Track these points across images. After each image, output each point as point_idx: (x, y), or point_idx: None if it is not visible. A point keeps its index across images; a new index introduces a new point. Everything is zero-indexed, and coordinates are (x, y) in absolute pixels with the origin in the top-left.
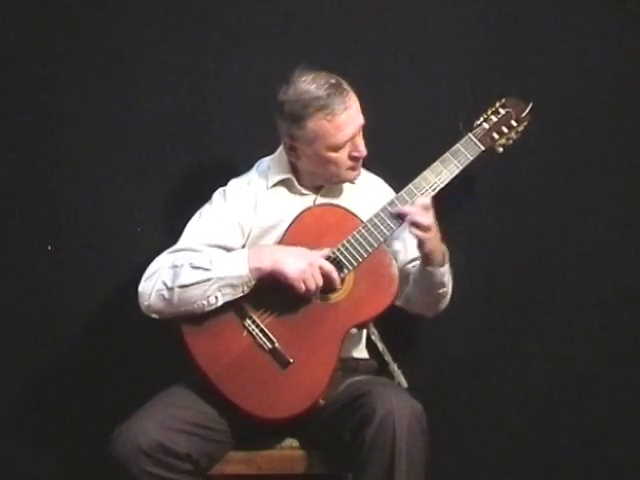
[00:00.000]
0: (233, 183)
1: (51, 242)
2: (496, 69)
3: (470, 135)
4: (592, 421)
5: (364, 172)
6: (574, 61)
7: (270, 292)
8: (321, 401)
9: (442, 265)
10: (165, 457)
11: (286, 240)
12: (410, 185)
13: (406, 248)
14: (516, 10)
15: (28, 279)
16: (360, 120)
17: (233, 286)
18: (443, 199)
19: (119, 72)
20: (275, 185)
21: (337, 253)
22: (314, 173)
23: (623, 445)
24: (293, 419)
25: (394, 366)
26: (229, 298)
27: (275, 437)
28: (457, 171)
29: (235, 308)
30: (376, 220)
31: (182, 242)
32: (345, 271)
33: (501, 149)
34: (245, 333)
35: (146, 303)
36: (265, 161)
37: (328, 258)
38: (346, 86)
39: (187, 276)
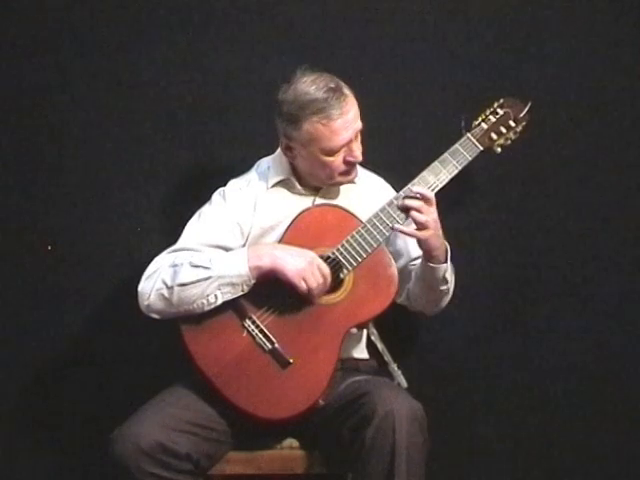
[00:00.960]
0: (233, 183)
1: (51, 242)
2: (494, 69)
3: (469, 135)
4: (592, 421)
5: (365, 172)
6: (573, 61)
7: (270, 292)
8: (321, 401)
9: (444, 262)
10: (165, 457)
11: (285, 240)
12: (409, 185)
13: (407, 246)
14: (515, 11)
15: (28, 279)
16: (357, 125)
17: (233, 285)
18: (443, 199)
19: (119, 72)
20: (275, 185)
21: (337, 253)
22: (311, 174)
23: (624, 445)
24: (293, 419)
25: (394, 366)
26: (229, 297)
27: (275, 437)
28: (456, 171)
29: (235, 308)
30: (375, 220)
31: (181, 242)
32: (345, 271)
33: (499, 149)
34: (245, 333)
35: (146, 303)
36: (265, 161)
37: (327, 258)
38: (346, 90)
39: (186, 275)
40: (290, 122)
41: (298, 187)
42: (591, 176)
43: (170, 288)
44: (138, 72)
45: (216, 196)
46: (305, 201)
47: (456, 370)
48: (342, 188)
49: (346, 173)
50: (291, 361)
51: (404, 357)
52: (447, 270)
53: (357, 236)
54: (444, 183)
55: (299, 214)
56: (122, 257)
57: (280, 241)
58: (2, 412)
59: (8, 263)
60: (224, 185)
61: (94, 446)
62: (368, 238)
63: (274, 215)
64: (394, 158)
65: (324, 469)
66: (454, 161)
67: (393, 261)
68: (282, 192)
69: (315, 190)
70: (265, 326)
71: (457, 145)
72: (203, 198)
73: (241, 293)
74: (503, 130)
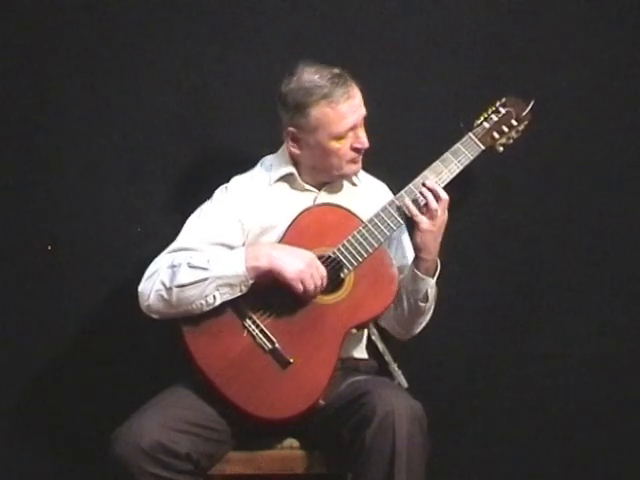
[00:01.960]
0: (235, 180)
1: (51, 242)
2: (497, 68)
3: (470, 134)
4: (593, 421)
5: (366, 176)
6: (575, 60)
7: (270, 292)
8: (321, 401)
9: (431, 276)
10: (165, 457)
11: (286, 240)
12: (410, 185)
13: (409, 262)
14: (517, 9)
15: (28, 279)
16: (363, 111)
17: (231, 285)
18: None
19: (119, 72)
20: (277, 181)
21: (337, 253)
22: (315, 167)
23: (624, 446)
24: (293, 419)
25: (394, 366)
26: (227, 297)
27: (275, 437)
28: (457, 170)
29: (235, 308)
30: (376, 220)
31: (181, 240)
32: (345, 271)
33: (501, 148)
34: (245, 333)
35: (146, 303)
36: (268, 159)
37: (328, 258)
38: (349, 77)
39: (185, 276)
40: (297, 110)
41: (301, 183)
42: (593, 175)
43: (169, 289)
44: (139, 72)
45: (218, 193)
46: (307, 198)
47: (456, 370)
48: (344, 189)
49: (353, 161)
50: (291, 361)
51: (404, 357)
52: (432, 287)
53: (358, 236)
54: (446, 182)
55: (300, 213)
56: (122, 257)
57: (281, 240)
58: (2, 412)
59: (8, 263)
60: (226, 183)
61: (94, 446)
62: (369, 238)
63: (275, 213)
64: (395, 157)
65: (324, 469)
66: (456, 160)
67: (394, 261)
68: (284, 189)
69: (318, 187)
70: (265, 326)
71: (459, 144)
72: (204, 198)
73: (239, 294)
74: (505, 129)
